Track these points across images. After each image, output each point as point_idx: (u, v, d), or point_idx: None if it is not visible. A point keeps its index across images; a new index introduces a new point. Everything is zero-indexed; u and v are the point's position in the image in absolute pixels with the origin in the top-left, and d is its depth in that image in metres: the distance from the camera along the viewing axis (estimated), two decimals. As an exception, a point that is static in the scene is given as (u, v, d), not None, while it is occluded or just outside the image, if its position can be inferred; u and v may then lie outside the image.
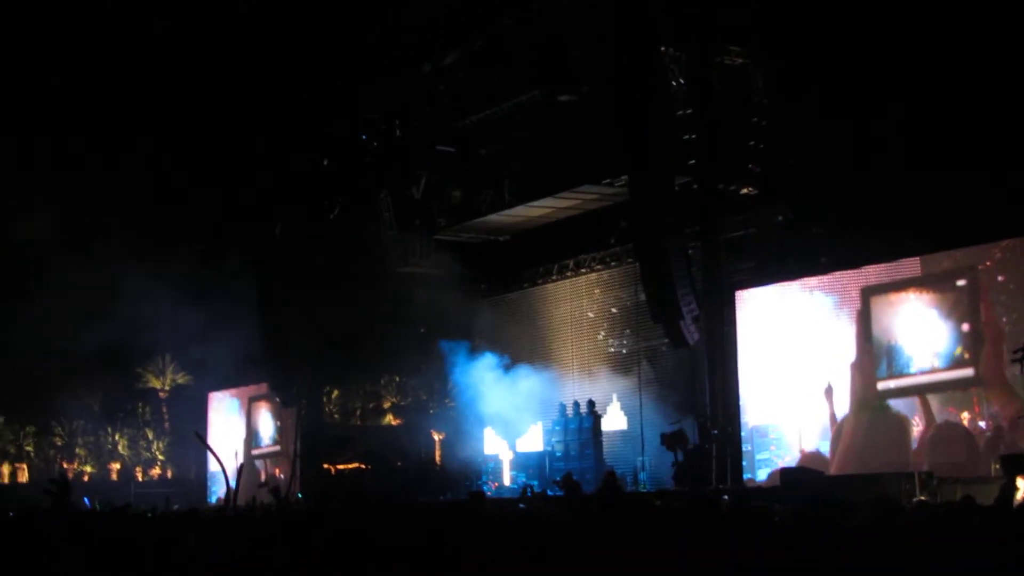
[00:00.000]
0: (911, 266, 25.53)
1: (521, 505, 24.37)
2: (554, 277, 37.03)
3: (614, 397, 33.90)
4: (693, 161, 28.55)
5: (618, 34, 27.90)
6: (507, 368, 35.50)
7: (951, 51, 24.69)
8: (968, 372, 24.17)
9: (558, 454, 32.63)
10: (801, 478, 24.40)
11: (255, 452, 42.27)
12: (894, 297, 25.64)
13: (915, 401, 25.04)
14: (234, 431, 42.74)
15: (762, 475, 27.62)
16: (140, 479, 47.49)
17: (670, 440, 28.06)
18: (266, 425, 42.11)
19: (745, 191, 29.81)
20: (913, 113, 25.37)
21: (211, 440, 38.19)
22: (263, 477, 40.73)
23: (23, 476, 47.23)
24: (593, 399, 32.86)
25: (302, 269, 38.32)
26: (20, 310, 39.38)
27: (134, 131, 38.22)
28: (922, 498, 20.12)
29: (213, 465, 40.60)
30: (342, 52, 33.81)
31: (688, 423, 29.20)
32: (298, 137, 36.26)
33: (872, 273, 26.20)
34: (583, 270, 35.99)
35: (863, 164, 26.49)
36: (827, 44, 26.62)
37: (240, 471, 24.69)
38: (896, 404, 25.38)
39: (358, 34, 33.35)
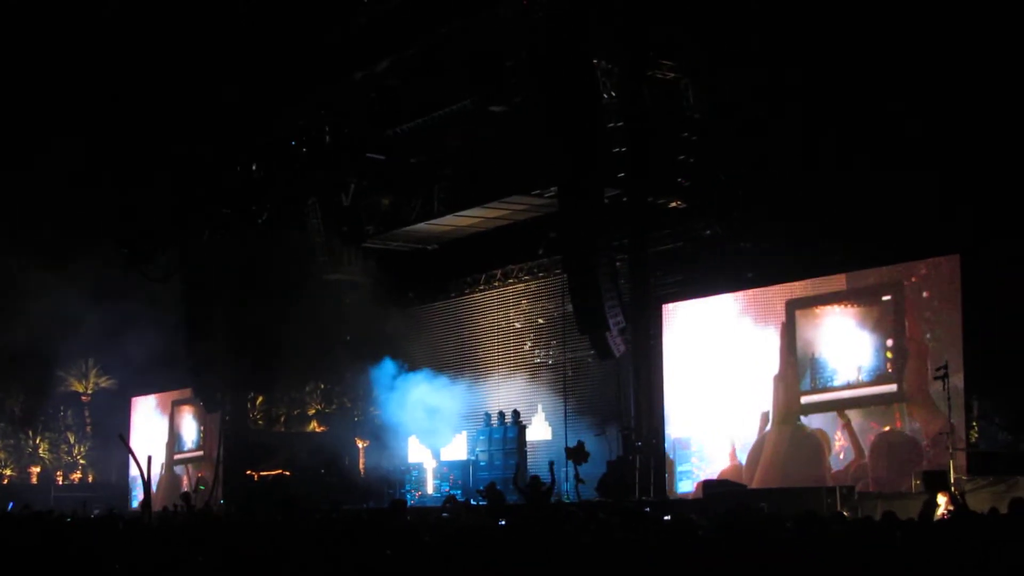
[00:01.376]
0: (837, 281, 25.76)
1: (444, 514, 24.28)
2: (481, 287, 37.06)
3: (539, 407, 33.92)
4: (623, 174, 28.62)
5: (551, 46, 27.96)
6: (432, 376, 35.45)
7: (882, 67, 24.92)
8: (891, 387, 24.41)
9: (482, 464, 32.60)
10: (722, 491, 24.53)
11: (178, 457, 42.00)
12: (819, 311, 25.88)
13: (835, 416, 25.26)
14: (157, 436, 42.42)
15: (684, 487, 27.76)
16: (61, 483, 46.98)
17: (573, 454, 28.12)
18: (189, 430, 41.85)
19: (674, 205, 29.99)
20: (842, 130, 25.56)
21: (134, 444, 37.82)
22: (185, 483, 40.47)
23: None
24: (518, 409, 32.86)
25: (228, 274, 38.17)
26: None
27: (54, 128, 37.79)
28: (844, 513, 20.25)
29: (135, 469, 40.26)
30: (274, 58, 33.65)
31: (612, 434, 29.31)
32: (228, 141, 36.05)
33: (798, 287, 26.43)
34: (511, 280, 36.02)
35: (791, 180, 26.67)
36: (758, 59, 26.79)
37: (149, 466, 24.52)
38: (817, 419, 25.58)
39: (291, 40, 33.20)
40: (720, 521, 12.64)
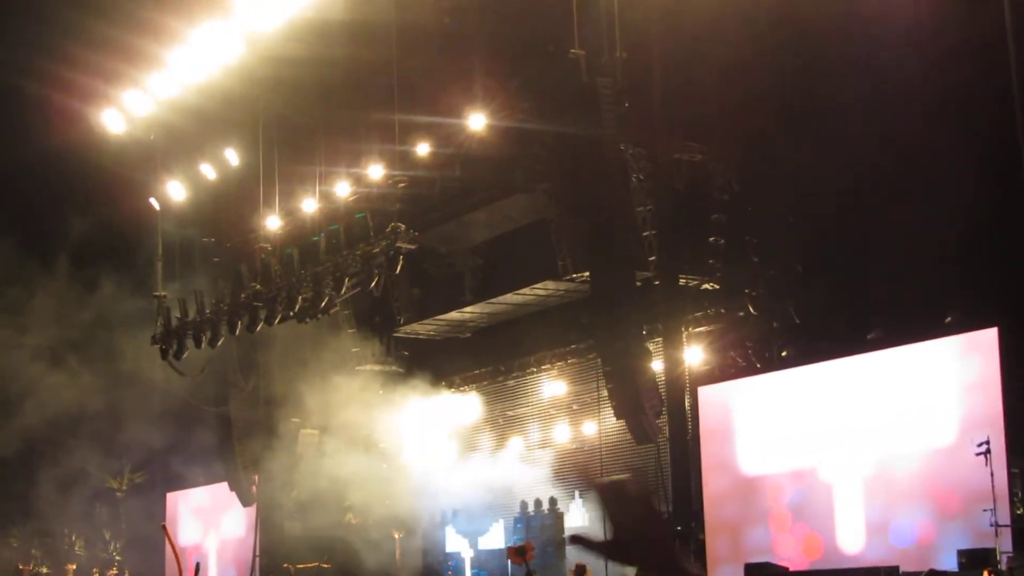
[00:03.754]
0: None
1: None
2: (516, 373, 37.02)
3: (576, 493, 33.79)
4: (653, 257, 28.68)
5: (580, 133, 28.10)
6: (466, 463, 35.44)
7: (916, 150, 24.93)
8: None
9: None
10: (766, 573, 24.37)
11: (214, 545, 41.96)
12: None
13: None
14: (194, 530, 42.37)
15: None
16: (96, 580, 46.92)
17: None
18: (227, 524, 41.79)
19: (706, 286, 30.01)
20: (873, 211, 25.59)
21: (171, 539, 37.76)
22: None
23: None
24: (555, 496, 32.73)
25: (263, 365, 38.29)
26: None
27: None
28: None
29: (171, 565, 40.18)
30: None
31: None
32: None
33: (834, 365, 26.32)
34: (545, 365, 35.96)
35: (825, 258, 26.70)
36: (786, 141, 26.88)
37: (196, 572, 24.37)
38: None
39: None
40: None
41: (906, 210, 24.82)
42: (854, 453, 25.48)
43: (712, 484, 28.25)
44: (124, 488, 48.00)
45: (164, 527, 34.20)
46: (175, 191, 36.98)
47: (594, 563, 29.01)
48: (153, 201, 37.66)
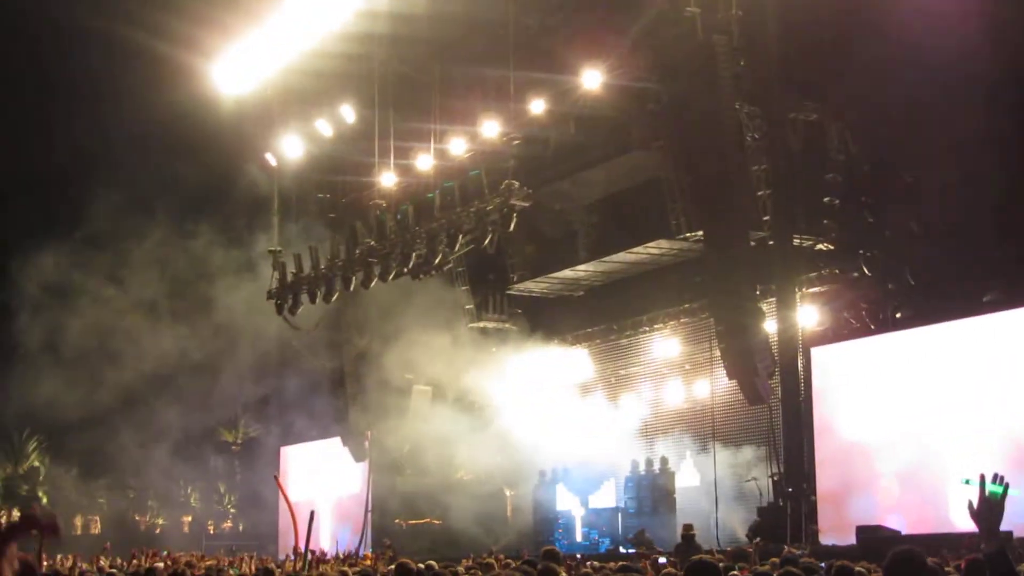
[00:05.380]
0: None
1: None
2: (628, 332, 37.00)
3: (687, 453, 33.76)
4: (768, 217, 28.48)
5: (695, 91, 27.95)
6: (578, 421, 35.54)
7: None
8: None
9: (631, 511, 32.44)
10: (878, 536, 24.10)
11: (326, 499, 42.42)
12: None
13: None
14: (307, 485, 42.83)
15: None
16: (212, 532, 47.64)
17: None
18: (340, 478, 42.19)
19: (821, 247, 29.75)
20: (990, 172, 25.19)
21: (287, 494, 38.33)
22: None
23: (95, 528, 47.56)
24: (666, 455, 32.70)
25: (375, 323, 38.55)
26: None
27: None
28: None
29: (284, 518, 40.78)
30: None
31: (761, 480, 29.12)
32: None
33: (950, 327, 25.96)
34: (657, 325, 35.91)
35: (942, 220, 26.34)
36: (902, 99, 26.52)
37: (311, 522, 24.57)
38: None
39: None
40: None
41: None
42: (968, 419, 25.16)
43: (822, 447, 28.05)
44: (239, 442, 48.71)
45: (276, 478, 34.69)
46: (291, 147, 37.29)
47: (702, 522, 29.09)
48: (270, 157, 38.05)
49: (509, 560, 23.06)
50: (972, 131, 25.30)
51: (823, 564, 17.38)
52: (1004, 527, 7.45)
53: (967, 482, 7.22)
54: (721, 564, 11.53)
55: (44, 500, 49.10)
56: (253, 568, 28.03)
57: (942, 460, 25.59)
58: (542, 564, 11.76)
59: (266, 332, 39.59)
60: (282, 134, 37.39)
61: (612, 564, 18.63)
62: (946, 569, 13.76)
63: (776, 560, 16.97)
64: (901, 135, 26.95)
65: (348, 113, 36.30)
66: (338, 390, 40.60)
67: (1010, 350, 24.77)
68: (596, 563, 20.27)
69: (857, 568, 13.12)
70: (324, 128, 36.86)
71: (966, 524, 19.86)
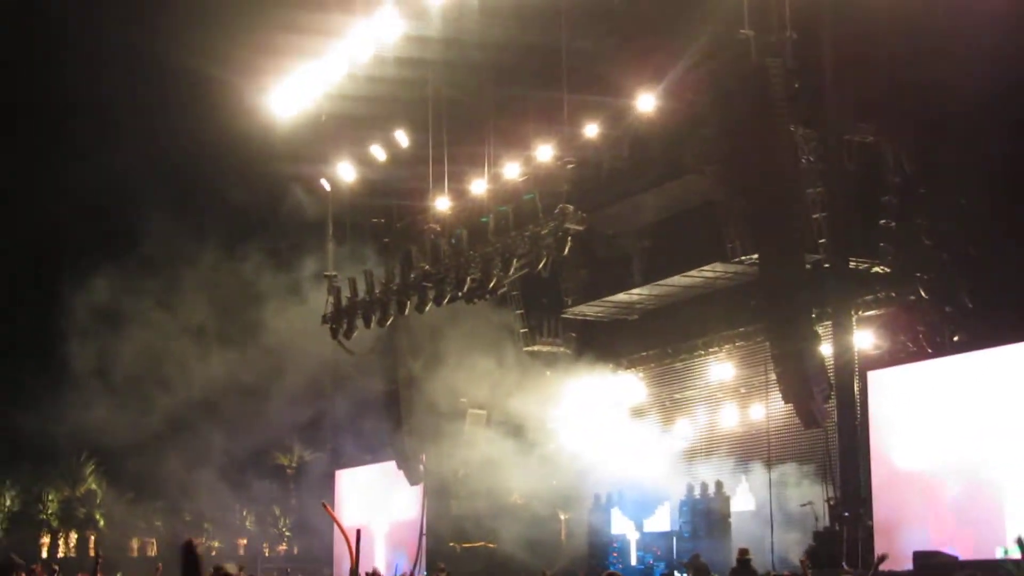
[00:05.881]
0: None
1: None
2: (683, 356, 36.95)
3: (743, 477, 33.61)
4: (824, 240, 28.35)
5: (749, 114, 27.90)
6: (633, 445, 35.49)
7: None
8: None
9: (686, 535, 32.30)
10: (936, 562, 23.96)
11: (382, 523, 42.49)
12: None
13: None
14: (362, 508, 42.93)
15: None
16: (267, 554, 47.80)
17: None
18: (394, 497, 42.26)
19: (877, 269, 29.59)
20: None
21: (341, 518, 38.45)
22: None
23: (152, 550, 47.80)
24: (721, 479, 32.57)
25: (428, 346, 38.61)
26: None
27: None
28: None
29: (338, 540, 40.90)
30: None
31: (818, 504, 28.97)
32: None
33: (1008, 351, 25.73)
34: (713, 348, 35.82)
35: (1000, 242, 26.16)
36: (960, 123, 26.40)
37: (358, 539, 24.58)
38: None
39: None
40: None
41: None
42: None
43: (878, 472, 27.85)
44: (294, 465, 48.87)
45: (324, 505, 34.73)
46: (345, 172, 37.47)
47: (757, 546, 28.94)
48: (324, 182, 38.25)
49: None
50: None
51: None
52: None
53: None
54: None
55: (101, 523, 49.44)
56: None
57: (999, 489, 25.38)
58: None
59: (320, 356, 39.75)
60: (336, 159, 37.60)
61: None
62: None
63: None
64: (958, 157, 26.78)
65: (402, 138, 36.51)
66: (392, 414, 40.70)
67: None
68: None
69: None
70: (378, 153, 37.07)
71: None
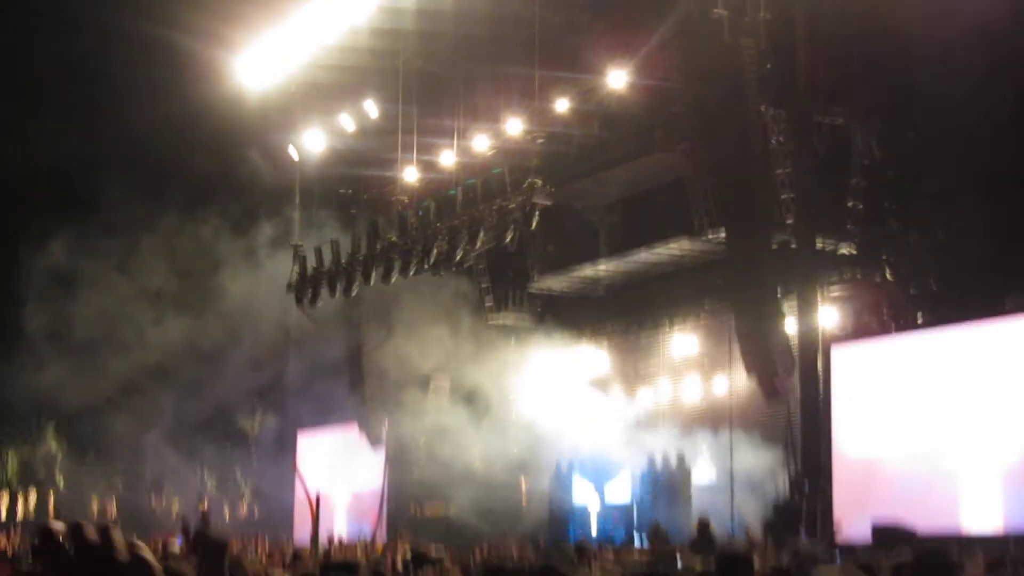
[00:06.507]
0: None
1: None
2: (647, 331, 37.20)
3: (704, 449, 33.98)
4: (791, 220, 28.71)
5: (720, 93, 28.20)
6: (595, 417, 35.83)
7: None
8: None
9: (646, 504, 32.69)
10: (895, 535, 24.37)
11: (343, 490, 42.66)
12: None
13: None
14: (324, 472, 43.11)
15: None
16: (228, 517, 47.88)
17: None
18: (356, 463, 42.41)
19: (843, 250, 29.98)
20: (1014, 178, 25.45)
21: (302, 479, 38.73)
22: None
23: (112, 511, 47.81)
24: (682, 450, 32.95)
25: (392, 314, 38.76)
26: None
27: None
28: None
29: (299, 504, 41.13)
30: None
31: (779, 476, 29.41)
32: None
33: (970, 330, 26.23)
34: (677, 324, 36.07)
35: (963, 223, 26.58)
36: (928, 104, 26.79)
37: (318, 504, 24.99)
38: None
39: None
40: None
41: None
42: (983, 424, 25.52)
43: (839, 445, 28.33)
44: (256, 428, 48.95)
45: (295, 466, 35.00)
46: (314, 141, 37.57)
47: (717, 517, 29.41)
48: (292, 151, 38.32)
49: (526, 547, 23.40)
50: (998, 136, 25.59)
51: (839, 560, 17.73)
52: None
53: None
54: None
55: (61, 484, 49.46)
56: (266, 549, 28.48)
57: (956, 465, 25.97)
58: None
59: (281, 321, 39.93)
60: (305, 128, 37.69)
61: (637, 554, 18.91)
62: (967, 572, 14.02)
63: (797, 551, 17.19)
64: (926, 141, 27.19)
65: (372, 108, 36.57)
66: (356, 381, 40.84)
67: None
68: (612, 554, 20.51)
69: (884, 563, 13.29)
70: (347, 123, 37.13)
71: (977, 528, 20.25)
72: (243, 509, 48.59)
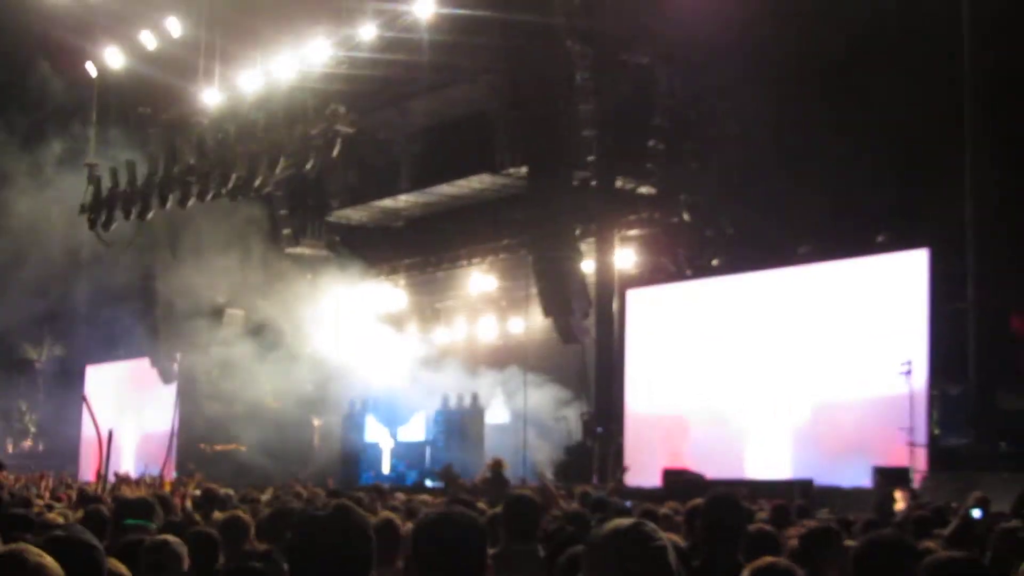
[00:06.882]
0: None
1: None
2: (446, 266, 36.89)
3: (499, 390, 33.73)
4: (592, 157, 28.46)
5: (527, 25, 27.80)
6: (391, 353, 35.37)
7: (855, 68, 24.76)
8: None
9: (440, 444, 32.40)
10: (683, 480, 24.34)
11: (133, 428, 41.68)
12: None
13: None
14: (113, 405, 42.05)
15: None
16: (10, 450, 46.55)
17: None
18: (146, 400, 41.52)
19: (643, 190, 29.87)
20: (811, 126, 25.40)
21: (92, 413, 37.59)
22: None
23: None
24: (477, 390, 32.69)
25: (186, 243, 37.85)
26: None
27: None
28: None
29: (86, 440, 40.05)
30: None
31: (572, 419, 29.26)
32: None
33: (765, 276, 26.31)
34: (475, 259, 35.80)
35: (762, 169, 26.52)
36: (733, 46, 26.63)
37: (109, 440, 24.11)
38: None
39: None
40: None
41: (845, 127, 24.65)
42: (771, 370, 25.68)
43: (632, 389, 28.29)
44: (43, 359, 47.62)
45: (84, 398, 33.93)
46: (113, 58, 36.32)
47: (510, 458, 29.11)
48: (90, 66, 37.01)
49: (316, 490, 22.86)
50: (799, 80, 25.57)
51: (628, 503, 17.51)
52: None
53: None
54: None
55: None
56: (50, 485, 27.48)
57: (743, 410, 26.08)
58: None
59: (72, 246, 38.60)
60: (103, 44, 36.39)
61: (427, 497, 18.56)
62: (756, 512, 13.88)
63: (585, 493, 16.89)
64: (729, 83, 27.06)
65: (174, 26, 35.41)
66: (147, 311, 39.85)
67: (821, 302, 25.21)
68: (403, 495, 20.16)
69: (662, 511, 13.17)
70: (148, 40, 35.94)
71: (760, 474, 20.26)
72: (27, 443, 47.27)
